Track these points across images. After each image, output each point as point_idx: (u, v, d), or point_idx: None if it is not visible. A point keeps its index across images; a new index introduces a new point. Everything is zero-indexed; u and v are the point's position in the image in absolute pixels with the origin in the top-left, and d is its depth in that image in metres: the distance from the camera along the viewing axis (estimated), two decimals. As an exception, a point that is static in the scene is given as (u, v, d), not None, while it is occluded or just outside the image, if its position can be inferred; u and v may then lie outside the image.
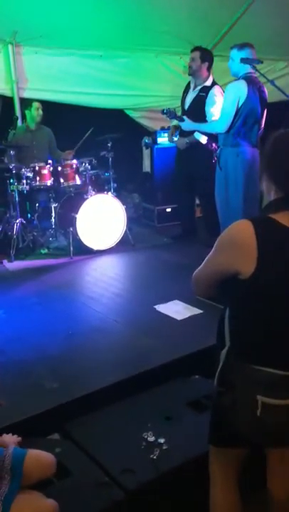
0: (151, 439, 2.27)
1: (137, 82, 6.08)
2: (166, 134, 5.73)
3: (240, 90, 4.11)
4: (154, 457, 2.17)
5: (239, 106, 4.12)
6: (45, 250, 5.11)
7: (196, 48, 5.07)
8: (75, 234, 4.87)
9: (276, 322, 1.57)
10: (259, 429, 1.63)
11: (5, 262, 4.80)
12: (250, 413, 1.59)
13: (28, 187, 4.95)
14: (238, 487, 1.85)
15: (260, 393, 1.57)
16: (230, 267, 1.59)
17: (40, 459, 1.87)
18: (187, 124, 4.82)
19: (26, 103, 5.43)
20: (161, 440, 2.26)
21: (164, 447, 2.22)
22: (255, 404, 1.58)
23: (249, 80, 4.14)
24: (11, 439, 2.04)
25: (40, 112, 5.35)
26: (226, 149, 4.28)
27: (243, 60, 4.03)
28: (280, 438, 1.66)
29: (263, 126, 4.32)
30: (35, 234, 5.09)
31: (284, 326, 1.57)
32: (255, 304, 1.59)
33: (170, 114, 4.85)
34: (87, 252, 4.95)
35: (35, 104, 5.33)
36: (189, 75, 5.12)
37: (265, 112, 4.31)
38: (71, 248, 4.89)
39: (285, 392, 1.58)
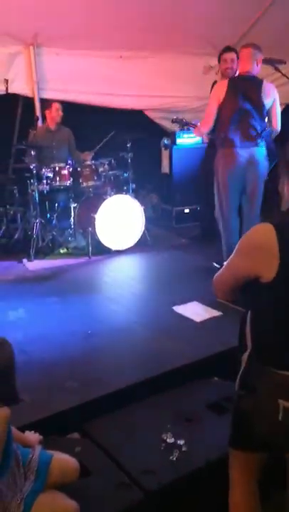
0: (171, 440, 2.27)
1: (157, 83, 6.08)
2: (185, 135, 5.68)
3: (219, 89, 4.04)
4: (174, 459, 2.17)
5: (220, 104, 4.01)
6: (64, 250, 5.14)
7: (233, 49, 4.71)
8: (94, 234, 4.90)
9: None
10: (280, 432, 1.62)
11: (25, 261, 4.85)
12: (271, 417, 1.59)
13: (48, 187, 4.99)
14: (258, 490, 1.85)
15: (282, 397, 1.56)
16: (251, 271, 1.59)
17: (65, 465, 1.90)
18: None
19: (46, 104, 5.48)
20: (181, 442, 2.26)
21: (184, 449, 2.23)
22: (276, 408, 1.57)
23: (235, 78, 4.06)
24: (34, 438, 2.06)
25: (60, 112, 5.38)
26: (218, 150, 4.18)
27: (265, 61, 3.99)
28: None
29: (273, 124, 4.04)
30: (55, 234, 5.14)
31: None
32: (276, 307, 1.58)
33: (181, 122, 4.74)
34: (105, 252, 4.97)
35: (55, 105, 5.37)
36: (227, 77, 4.65)
37: (276, 110, 4.03)
38: (90, 248, 4.91)
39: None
